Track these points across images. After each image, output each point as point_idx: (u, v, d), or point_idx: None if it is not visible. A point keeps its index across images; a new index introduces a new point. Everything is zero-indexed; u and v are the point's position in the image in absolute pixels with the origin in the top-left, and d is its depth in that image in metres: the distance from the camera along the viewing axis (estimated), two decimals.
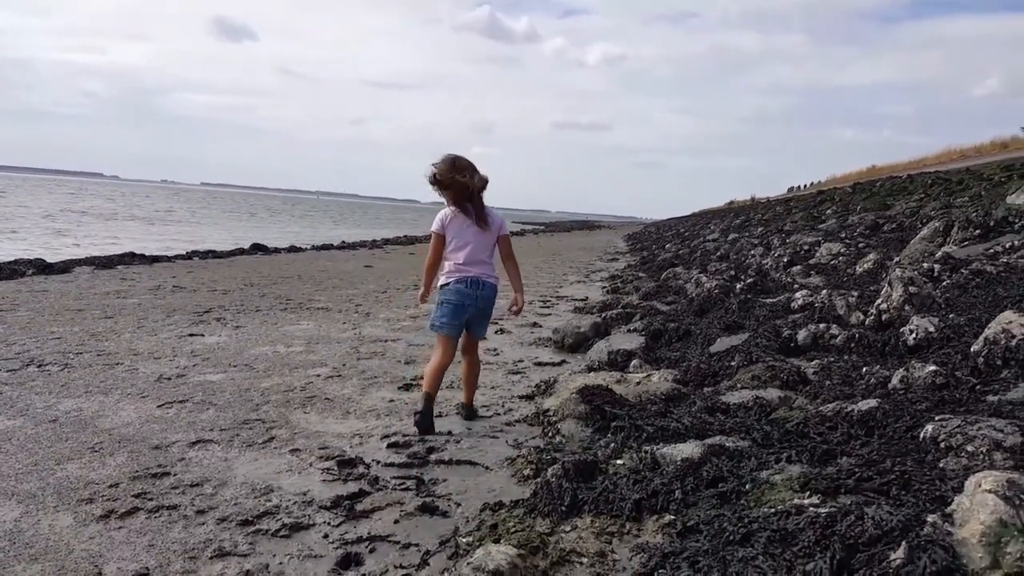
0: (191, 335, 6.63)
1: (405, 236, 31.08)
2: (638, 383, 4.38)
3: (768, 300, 6.52)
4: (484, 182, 4.06)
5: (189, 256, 16.26)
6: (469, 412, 4.35)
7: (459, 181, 4.00)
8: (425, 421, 4.00)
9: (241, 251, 18.68)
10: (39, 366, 5.22)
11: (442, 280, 4.17)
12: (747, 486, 2.81)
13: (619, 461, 3.31)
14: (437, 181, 4.04)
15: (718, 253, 13.98)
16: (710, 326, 5.85)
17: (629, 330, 6.11)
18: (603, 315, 7.01)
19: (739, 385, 4.10)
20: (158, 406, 4.37)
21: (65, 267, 12.55)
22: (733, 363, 4.55)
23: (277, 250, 19.90)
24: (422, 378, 5.08)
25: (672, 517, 2.71)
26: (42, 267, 12.14)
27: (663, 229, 44.30)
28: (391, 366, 5.69)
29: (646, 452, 3.21)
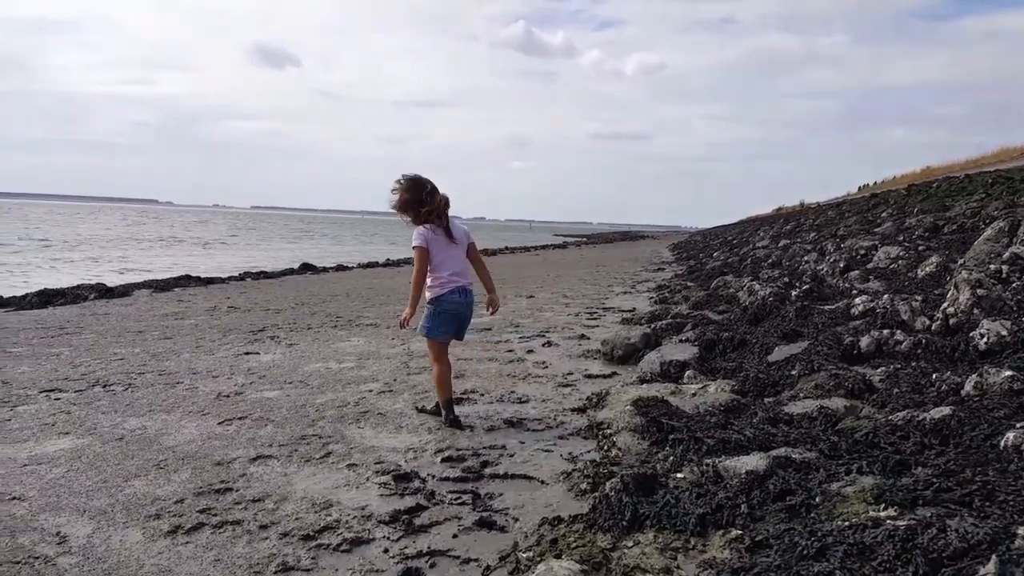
0: (247, 353, 6.76)
1: None
2: (694, 394, 4.29)
3: (826, 307, 6.34)
4: (447, 199, 4.37)
5: (242, 277, 16.65)
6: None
7: (431, 200, 4.30)
8: (457, 422, 4.40)
9: (291, 271, 19.07)
10: (104, 386, 5.38)
11: (434, 293, 4.38)
12: (817, 499, 2.72)
13: (679, 474, 3.23)
14: (413, 202, 4.31)
15: (769, 260, 13.69)
16: (766, 335, 5.70)
17: (681, 340, 5.99)
18: (653, 325, 6.90)
19: (801, 395, 3.98)
20: (218, 423, 4.45)
21: (125, 291, 12.98)
22: (793, 372, 4.42)
23: (325, 269, 20.26)
24: (473, 391, 5.14)
25: (739, 532, 2.63)
26: (103, 291, 12.57)
27: (709, 237, 43.67)
28: None
29: (708, 465, 3.13)
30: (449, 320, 4.43)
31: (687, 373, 4.97)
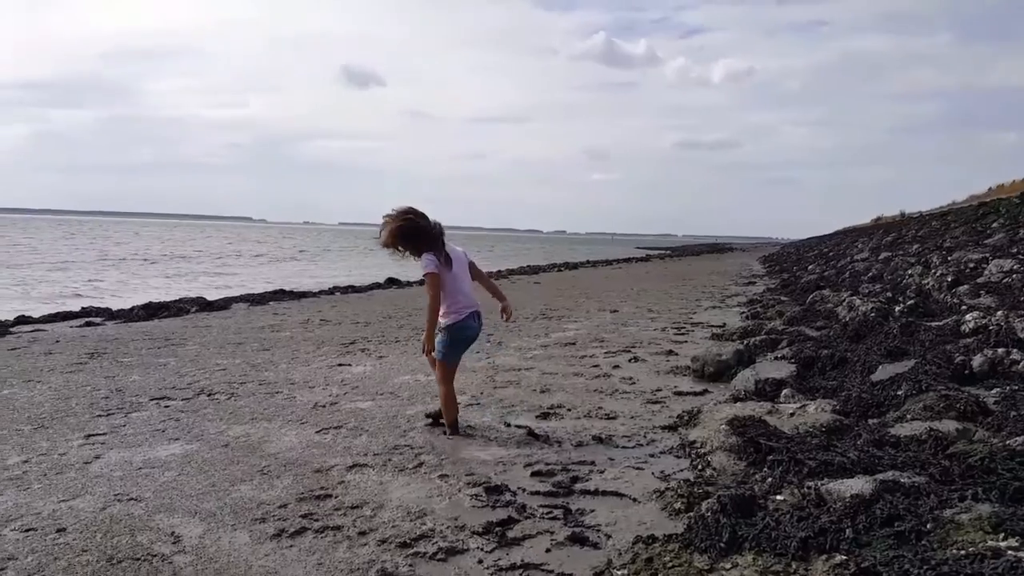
0: (339, 365, 6.98)
1: (528, 266, 31.42)
2: (792, 414, 4.15)
3: (933, 324, 6.01)
4: (441, 225, 4.43)
5: (331, 291, 17.19)
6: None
7: (432, 229, 4.34)
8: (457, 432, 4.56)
9: (378, 285, 19.57)
10: (209, 395, 5.66)
11: (451, 319, 4.42)
12: (928, 526, 2.59)
13: (779, 497, 3.14)
14: (411, 232, 4.32)
15: (869, 274, 13.08)
16: (869, 352, 5.45)
17: (776, 357, 5.81)
18: (746, 342, 6.72)
19: (909, 416, 3.79)
20: (316, 432, 4.61)
21: (224, 304, 13.62)
22: (900, 392, 4.21)
23: (409, 283, 20.68)
24: (559, 406, 5.14)
25: (844, 557, 2.53)
26: (204, 305, 13.24)
27: (803, 249, 42.12)
28: (527, 395, 5.71)
29: (809, 488, 3.03)
30: (463, 345, 4.57)
31: (784, 392, 4.81)
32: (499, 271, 26.67)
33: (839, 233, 57.25)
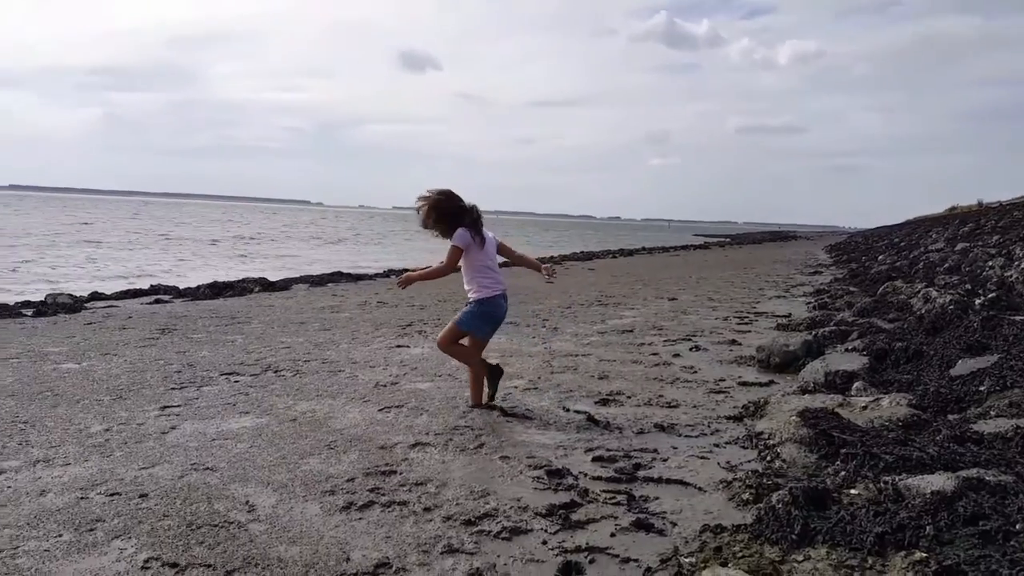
0: (398, 346, 7.07)
1: (582, 252, 31.26)
2: (865, 407, 4.03)
3: (1017, 317, 5.73)
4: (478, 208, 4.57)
5: (387, 274, 17.43)
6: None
7: (466, 208, 4.48)
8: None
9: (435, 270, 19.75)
10: (275, 372, 5.81)
11: (484, 294, 4.55)
12: (1017, 526, 2.48)
13: (853, 491, 3.06)
14: (448, 211, 4.42)
15: (946, 265, 12.56)
16: (947, 346, 5.24)
17: (847, 349, 5.64)
18: (814, 332, 6.54)
19: (993, 413, 3.64)
20: (378, 410, 4.68)
21: (285, 285, 13.96)
22: (982, 388, 4.04)
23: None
24: (619, 393, 5.10)
25: (924, 555, 2.45)
26: (266, 285, 13.59)
27: (871, 239, 40.79)
28: (585, 380, 5.69)
29: (886, 483, 2.94)
30: (493, 322, 4.67)
31: (855, 385, 4.67)
32: (551, 256, 26.62)
33: (910, 223, 55.27)
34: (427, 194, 4.53)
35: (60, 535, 2.80)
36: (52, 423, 4.25)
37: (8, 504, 3.07)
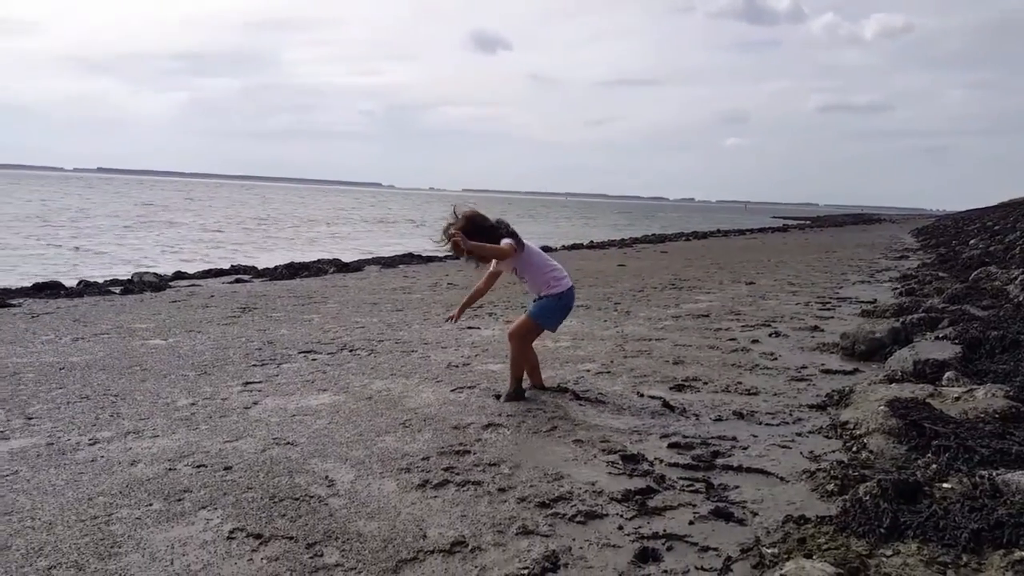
0: (469, 328, 7.12)
1: (654, 234, 30.76)
2: (957, 398, 3.83)
3: None
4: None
5: (457, 257, 17.58)
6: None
7: (498, 227, 4.43)
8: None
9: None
10: (351, 351, 5.93)
11: (559, 288, 4.53)
12: None
13: (946, 484, 2.91)
14: (480, 230, 4.34)
15: None
16: None
17: (937, 337, 5.36)
18: (902, 320, 6.24)
19: None
20: (451, 390, 4.73)
21: (358, 266, 14.25)
22: None
23: None
24: (695, 379, 4.99)
25: None
26: (340, 266, 13.91)
27: (961, 222, 38.73)
28: (659, 366, 5.59)
29: (982, 477, 2.78)
30: (564, 314, 4.67)
31: (947, 374, 4.43)
32: (622, 240, 26.29)
33: (1003, 205, 52.20)
34: (452, 220, 4.42)
35: (150, 504, 2.92)
36: (141, 396, 4.46)
37: (102, 473, 3.23)
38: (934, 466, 3.05)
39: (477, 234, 4.33)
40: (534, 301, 4.65)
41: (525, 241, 4.59)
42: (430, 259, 16.35)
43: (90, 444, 3.60)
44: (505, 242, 4.39)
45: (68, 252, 18.27)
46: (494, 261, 4.52)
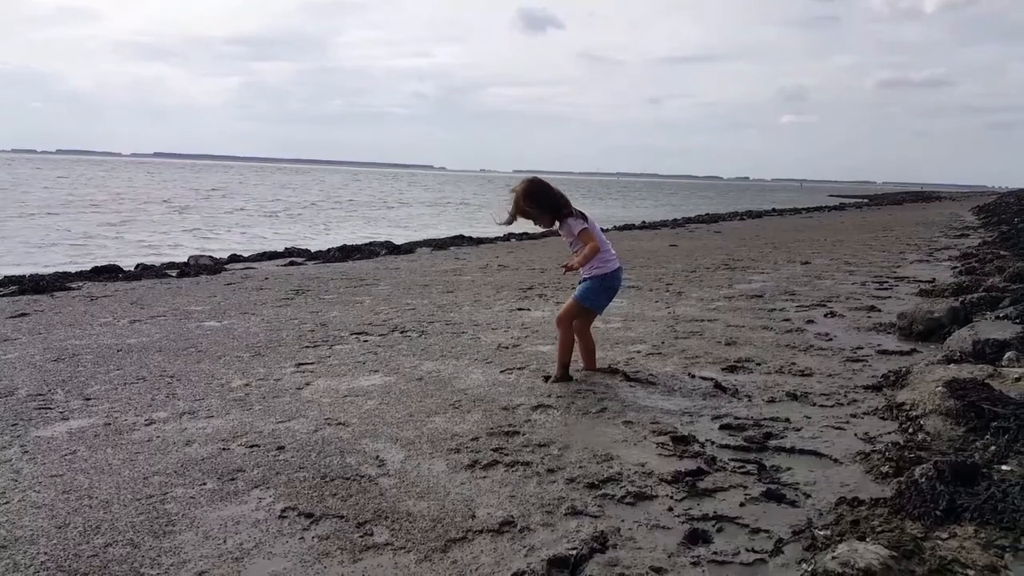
0: (519, 309, 7.14)
1: (707, 214, 30.24)
2: (1018, 379, 3.69)
3: None
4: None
5: (507, 238, 17.59)
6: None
7: (559, 197, 4.44)
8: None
9: (552, 232, 19.76)
10: (402, 332, 6.02)
11: (605, 269, 4.50)
12: None
13: (1005, 467, 2.82)
14: (546, 201, 4.42)
15: None
16: None
17: (998, 317, 5.16)
18: (961, 299, 6.03)
19: None
20: (501, 371, 4.76)
21: (409, 248, 14.42)
22: None
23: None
24: (747, 360, 4.92)
25: None
26: (392, 248, 14.09)
27: None
28: (711, 347, 5.52)
29: None
30: (611, 294, 4.66)
31: (1007, 355, 4.27)
32: (675, 220, 25.92)
33: None
34: (521, 188, 4.51)
35: (204, 483, 3.02)
36: (196, 377, 4.62)
37: (157, 453, 3.35)
38: (992, 448, 2.96)
39: (537, 200, 4.47)
40: (580, 282, 4.64)
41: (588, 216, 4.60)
42: (480, 241, 16.43)
43: (146, 424, 3.73)
44: (575, 223, 4.44)
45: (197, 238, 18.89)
46: (557, 223, 4.53)
